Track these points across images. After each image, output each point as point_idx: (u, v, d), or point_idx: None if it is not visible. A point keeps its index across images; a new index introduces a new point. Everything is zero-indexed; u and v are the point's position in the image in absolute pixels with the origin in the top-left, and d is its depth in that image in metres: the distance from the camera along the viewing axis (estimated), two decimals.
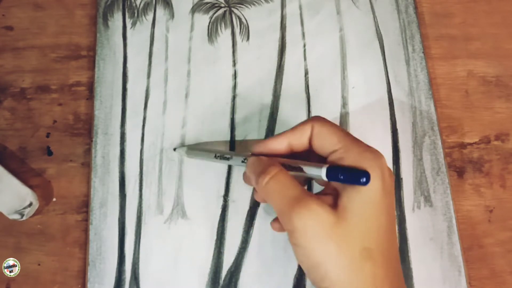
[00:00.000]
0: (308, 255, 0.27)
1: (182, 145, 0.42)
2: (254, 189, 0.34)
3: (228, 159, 0.36)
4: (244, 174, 0.35)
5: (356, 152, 0.28)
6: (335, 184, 0.29)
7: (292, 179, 0.29)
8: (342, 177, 0.27)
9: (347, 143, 0.29)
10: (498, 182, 0.42)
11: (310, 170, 0.29)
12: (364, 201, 0.27)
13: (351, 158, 0.28)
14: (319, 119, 0.31)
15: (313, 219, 0.27)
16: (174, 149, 0.41)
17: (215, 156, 0.37)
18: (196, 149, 0.40)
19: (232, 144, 0.42)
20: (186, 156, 0.41)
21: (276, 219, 0.35)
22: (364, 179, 0.27)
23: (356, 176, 0.27)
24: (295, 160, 0.31)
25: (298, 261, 0.28)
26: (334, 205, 0.28)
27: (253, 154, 0.33)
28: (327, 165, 0.28)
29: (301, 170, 0.30)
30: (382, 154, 0.29)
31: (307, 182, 0.38)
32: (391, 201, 0.29)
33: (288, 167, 0.30)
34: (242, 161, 0.34)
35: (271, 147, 0.32)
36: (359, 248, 0.27)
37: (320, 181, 0.34)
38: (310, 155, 0.31)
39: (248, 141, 0.42)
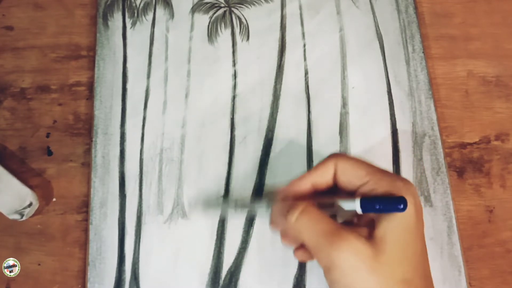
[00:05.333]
0: None
1: (197, 202, 0.41)
2: (281, 233, 0.33)
3: (250, 209, 0.35)
4: (271, 220, 0.34)
5: (387, 181, 0.28)
6: (368, 216, 0.29)
7: (322, 213, 0.29)
8: (378, 206, 0.27)
9: (376, 175, 0.29)
10: (498, 182, 0.42)
11: (344, 204, 0.29)
12: (400, 228, 0.27)
13: (383, 188, 0.28)
14: (341, 155, 0.31)
15: (353, 254, 0.26)
16: (190, 205, 0.40)
17: (235, 209, 0.36)
18: (214, 203, 0.40)
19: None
20: (202, 210, 0.40)
21: (300, 248, 0.34)
22: (402, 206, 0.26)
23: (394, 204, 0.27)
24: (326, 196, 0.30)
25: None
26: (370, 237, 0.27)
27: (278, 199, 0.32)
28: (360, 197, 0.28)
29: (330, 207, 0.30)
30: (411, 182, 0.29)
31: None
32: (422, 227, 0.29)
33: (318, 205, 0.30)
34: (267, 208, 0.34)
35: (296, 189, 0.31)
36: (399, 280, 0.26)
37: (349, 218, 0.32)
38: (335, 193, 0.31)
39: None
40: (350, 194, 0.30)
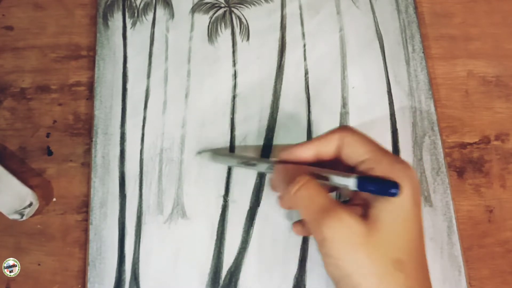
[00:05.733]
0: (339, 265, 0.27)
1: (206, 150, 0.41)
2: (279, 196, 0.33)
3: (253, 165, 0.35)
4: (271, 180, 0.35)
5: (386, 163, 0.28)
6: (364, 194, 0.29)
7: (321, 188, 0.29)
8: (371, 188, 0.27)
9: (377, 154, 0.29)
10: (498, 182, 0.42)
11: (339, 180, 0.29)
12: (395, 212, 0.27)
13: (381, 169, 0.28)
14: (348, 128, 0.31)
15: (344, 229, 0.26)
16: (199, 153, 0.41)
17: (241, 162, 0.36)
18: (221, 154, 0.40)
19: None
20: (210, 160, 0.40)
21: (298, 222, 0.34)
22: (394, 191, 0.26)
23: (387, 187, 0.27)
24: (324, 169, 0.30)
25: (328, 271, 0.28)
26: (365, 216, 0.27)
27: (279, 162, 0.33)
28: (356, 175, 0.28)
29: (326, 180, 0.30)
30: (411, 166, 0.29)
31: (334, 192, 0.38)
32: (419, 212, 0.28)
33: (316, 176, 0.30)
34: (268, 168, 0.34)
35: (298, 155, 0.31)
36: (391, 260, 0.26)
37: (348, 192, 0.33)
38: (337, 165, 0.31)
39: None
40: (351, 169, 0.30)
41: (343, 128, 0.31)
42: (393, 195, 0.26)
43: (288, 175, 0.30)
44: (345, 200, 0.33)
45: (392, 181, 0.27)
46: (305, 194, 0.29)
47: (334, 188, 0.34)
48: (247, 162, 0.36)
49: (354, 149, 0.30)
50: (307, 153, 0.31)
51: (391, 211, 0.27)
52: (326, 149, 0.31)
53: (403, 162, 0.29)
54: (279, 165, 0.32)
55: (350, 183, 0.28)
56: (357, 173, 0.29)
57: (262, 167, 0.35)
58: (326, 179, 0.30)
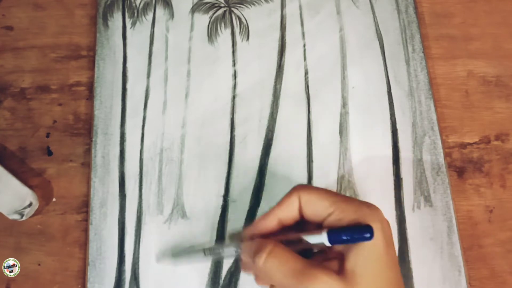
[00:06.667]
0: None
1: (165, 253, 0.39)
2: (254, 275, 0.32)
3: (219, 253, 0.34)
4: (241, 262, 0.34)
5: (352, 210, 0.27)
6: (337, 247, 0.28)
7: (290, 251, 0.28)
8: (345, 237, 0.26)
9: (341, 204, 0.28)
10: (498, 182, 0.42)
11: (312, 239, 0.28)
12: (370, 258, 0.26)
13: (348, 217, 0.27)
14: (303, 187, 0.30)
15: None
16: (158, 259, 0.39)
17: (204, 254, 0.35)
18: (182, 251, 0.38)
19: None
20: (172, 261, 0.38)
21: None
22: (369, 234, 0.26)
23: (360, 233, 0.26)
24: (291, 233, 0.29)
25: None
26: (341, 270, 0.27)
27: (245, 241, 0.31)
28: (327, 229, 0.27)
29: (299, 242, 0.29)
30: (377, 207, 0.28)
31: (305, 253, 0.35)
32: (394, 252, 0.28)
33: (286, 243, 0.29)
34: (235, 251, 0.32)
35: (262, 228, 0.30)
36: None
37: (320, 248, 0.31)
38: (303, 226, 0.30)
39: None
40: (318, 226, 0.29)
41: (298, 188, 0.30)
42: (368, 239, 0.26)
43: (255, 247, 0.29)
44: (321, 250, 0.31)
45: (363, 225, 0.26)
46: (274, 261, 0.27)
47: (305, 251, 0.32)
48: (212, 251, 0.35)
49: (315, 206, 0.29)
50: (270, 223, 0.30)
51: (366, 258, 0.26)
52: (288, 214, 0.30)
53: (369, 205, 0.28)
54: (245, 243, 0.31)
55: (322, 238, 0.27)
56: (326, 228, 0.28)
57: (230, 251, 0.33)
58: (299, 242, 0.29)
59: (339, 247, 0.28)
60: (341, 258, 0.27)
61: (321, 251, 0.31)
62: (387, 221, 0.28)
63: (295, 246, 0.29)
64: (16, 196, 0.39)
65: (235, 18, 0.46)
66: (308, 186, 0.30)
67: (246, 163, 0.41)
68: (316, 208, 0.29)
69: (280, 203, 0.30)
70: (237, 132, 0.42)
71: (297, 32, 0.46)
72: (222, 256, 0.36)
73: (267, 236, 0.30)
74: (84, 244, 0.40)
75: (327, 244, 0.27)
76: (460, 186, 0.42)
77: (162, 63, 0.45)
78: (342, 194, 0.29)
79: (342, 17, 0.46)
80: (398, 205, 0.40)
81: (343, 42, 0.45)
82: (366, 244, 0.26)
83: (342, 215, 0.28)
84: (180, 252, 0.38)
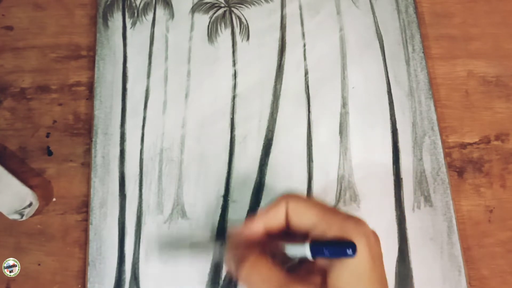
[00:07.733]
0: None
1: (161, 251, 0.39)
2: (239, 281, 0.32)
3: (205, 249, 0.34)
4: (226, 261, 0.33)
5: (338, 223, 0.27)
6: (322, 260, 0.27)
7: (273, 264, 0.27)
8: (327, 252, 0.25)
9: (325, 216, 0.27)
10: (498, 182, 0.42)
11: (292, 250, 0.27)
12: (354, 274, 0.25)
13: (333, 231, 0.26)
14: (292, 196, 0.29)
15: None
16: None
17: (192, 249, 0.34)
18: (168, 246, 0.38)
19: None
20: (159, 257, 0.38)
21: None
22: (351, 251, 0.25)
23: (342, 249, 0.25)
24: (275, 241, 0.29)
25: None
26: (323, 285, 0.26)
27: (230, 243, 0.31)
28: (309, 241, 0.26)
29: (283, 253, 0.28)
30: (363, 220, 0.27)
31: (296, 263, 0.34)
32: (381, 267, 0.27)
33: (271, 253, 0.28)
34: (220, 252, 0.32)
35: (248, 234, 0.29)
36: None
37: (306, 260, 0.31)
38: (290, 236, 0.29)
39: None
40: (303, 237, 0.28)
41: (287, 196, 0.29)
42: (350, 256, 0.25)
43: (238, 256, 0.28)
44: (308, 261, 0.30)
45: (346, 241, 0.25)
46: (256, 273, 0.27)
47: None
48: (196, 246, 0.34)
49: (301, 216, 0.28)
50: (257, 229, 0.29)
51: (349, 274, 0.25)
52: (274, 222, 0.29)
53: (354, 219, 0.27)
54: (229, 251, 0.30)
55: (304, 250, 0.26)
56: (310, 239, 0.27)
57: (216, 252, 0.33)
58: (284, 253, 0.28)
59: (323, 261, 0.27)
60: (325, 271, 0.26)
61: (308, 262, 0.29)
62: (375, 235, 0.27)
63: (279, 256, 0.28)
64: (16, 196, 0.39)
65: (235, 18, 0.46)
66: (296, 195, 0.29)
67: (246, 163, 0.41)
68: (302, 218, 0.28)
69: (267, 209, 0.29)
70: (237, 132, 0.42)
71: (297, 32, 0.46)
72: (207, 253, 0.36)
73: (251, 244, 0.29)
74: (84, 244, 0.40)
75: (309, 257, 0.26)
76: (460, 186, 0.42)
77: (162, 63, 0.45)
78: (331, 207, 0.28)
79: (342, 17, 0.46)
80: (398, 205, 0.40)
81: (343, 42, 0.45)
82: (351, 259, 0.25)
83: (327, 228, 0.27)
84: (167, 248, 0.39)
